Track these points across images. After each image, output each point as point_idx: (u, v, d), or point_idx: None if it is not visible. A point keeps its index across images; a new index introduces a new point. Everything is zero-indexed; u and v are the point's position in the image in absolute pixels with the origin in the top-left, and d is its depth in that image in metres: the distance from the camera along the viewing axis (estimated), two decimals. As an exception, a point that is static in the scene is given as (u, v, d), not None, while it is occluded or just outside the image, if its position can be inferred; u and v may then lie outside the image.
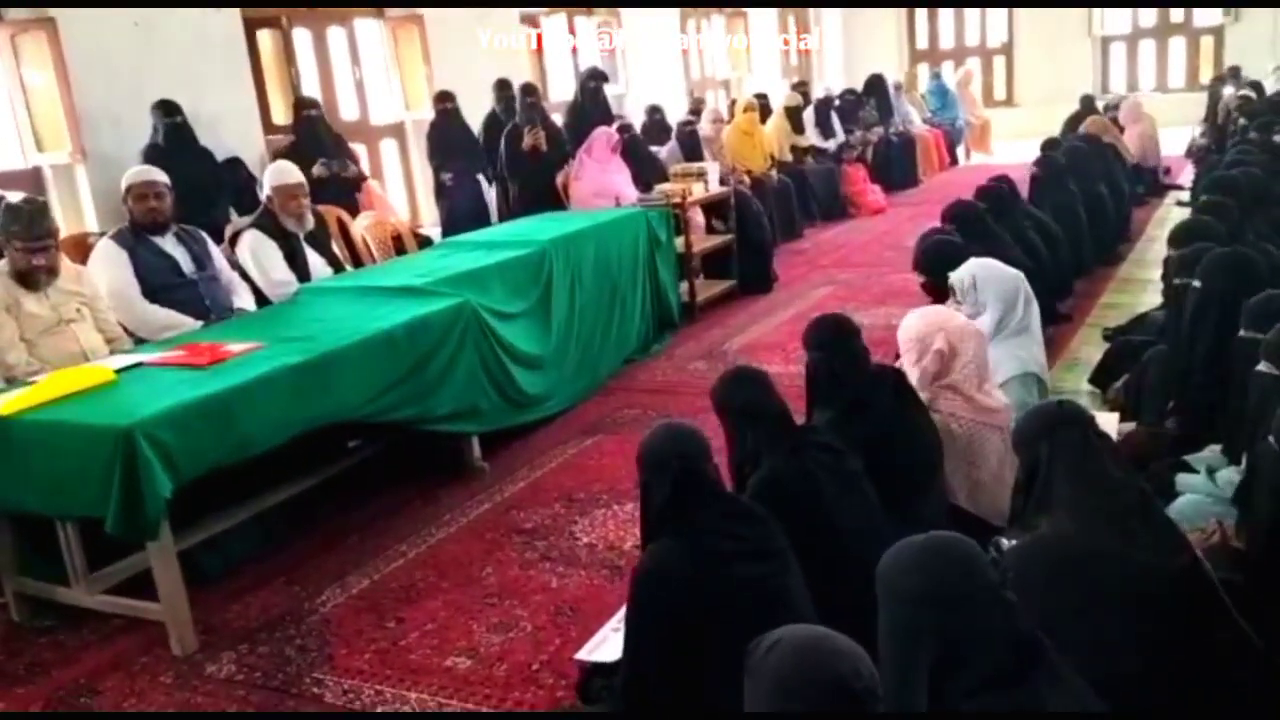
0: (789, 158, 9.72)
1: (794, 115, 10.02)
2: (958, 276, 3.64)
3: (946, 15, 16.07)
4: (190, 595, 3.10)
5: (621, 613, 2.92)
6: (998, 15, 15.65)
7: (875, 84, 11.89)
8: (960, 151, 12.96)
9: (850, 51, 16.05)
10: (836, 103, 10.94)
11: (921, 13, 16.15)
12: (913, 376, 3.06)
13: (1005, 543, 2.21)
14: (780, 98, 10.71)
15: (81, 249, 4.80)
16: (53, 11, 5.74)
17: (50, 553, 3.27)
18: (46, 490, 3.05)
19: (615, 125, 7.53)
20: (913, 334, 3.13)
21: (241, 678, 2.90)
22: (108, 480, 2.86)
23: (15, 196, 4.42)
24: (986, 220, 4.82)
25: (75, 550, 3.23)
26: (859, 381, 2.84)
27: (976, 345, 3.10)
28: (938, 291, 3.87)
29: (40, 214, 3.77)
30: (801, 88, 11.64)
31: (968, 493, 3.03)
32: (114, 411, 3.02)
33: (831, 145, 10.26)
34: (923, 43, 16.28)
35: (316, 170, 6.19)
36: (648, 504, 2.29)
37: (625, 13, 10.78)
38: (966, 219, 4.69)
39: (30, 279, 3.71)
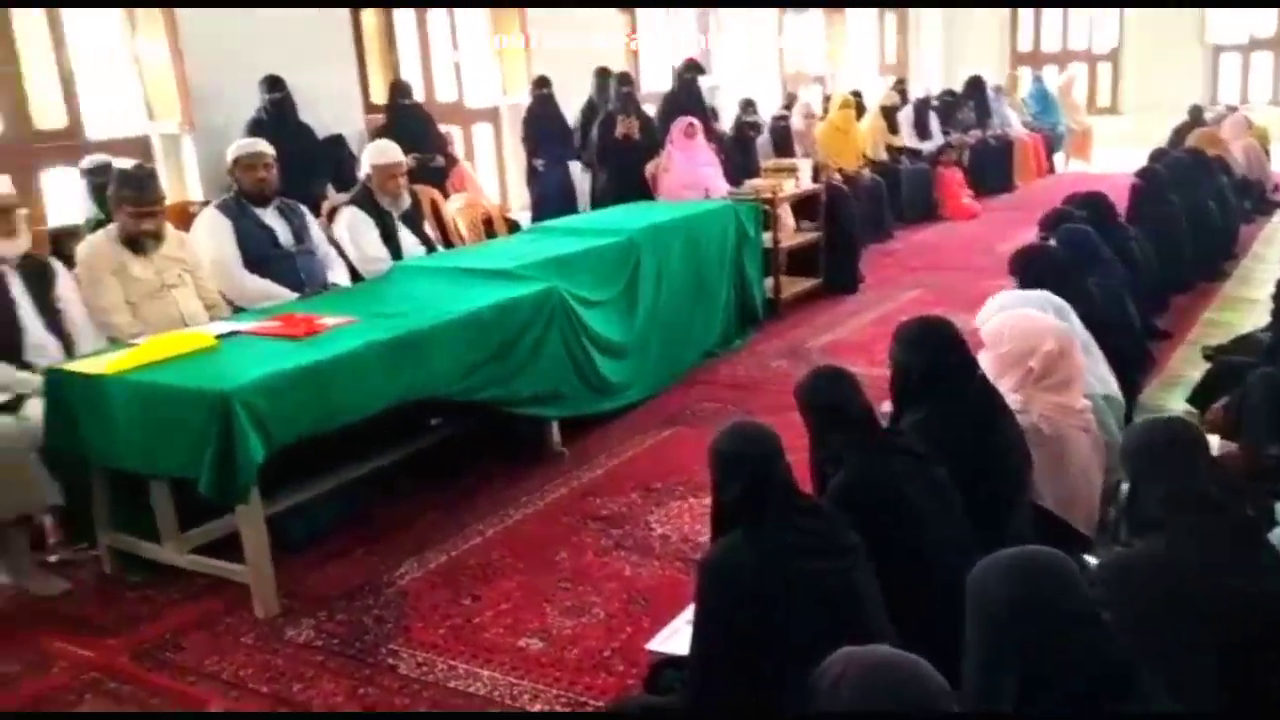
0: (883, 157, 9.59)
1: (890, 114, 9.87)
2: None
3: (1052, 17, 15.66)
4: (274, 560, 3.17)
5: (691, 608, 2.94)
6: (1106, 19, 15.19)
7: (975, 86, 11.64)
8: (1059, 158, 12.64)
9: (950, 51, 15.73)
10: (934, 103, 10.76)
11: (1026, 14, 15.76)
12: (992, 371, 3.00)
13: (1092, 561, 2.16)
14: (876, 95, 10.55)
15: (184, 217, 4.95)
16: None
17: (143, 511, 3.38)
18: (144, 449, 3.16)
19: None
20: (1016, 334, 3.06)
21: (320, 643, 2.97)
22: (203, 443, 2.95)
23: (126, 163, 4.59)
24: (1090, 233, 4.69)
25: (167, 509, 3.33)
26: (954, 387, 2.78)
27: (1076, 346, 3.09)
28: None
29: (150, 180, 3.92)
30: (899, 86, 11.45)
31: (1053, 495, 2.97)
32: (213, 376, 3.11)
33: (928, 147, 10.09)
34: (1025, 45, 15.88)
35: (407, 161, 6.25)
36: (717, 501, 2.28)
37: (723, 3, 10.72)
38: (1070, 231, 4.56)
39: (137, 243, 3.84)
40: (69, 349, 3.63)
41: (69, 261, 3.90)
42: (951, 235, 8.96)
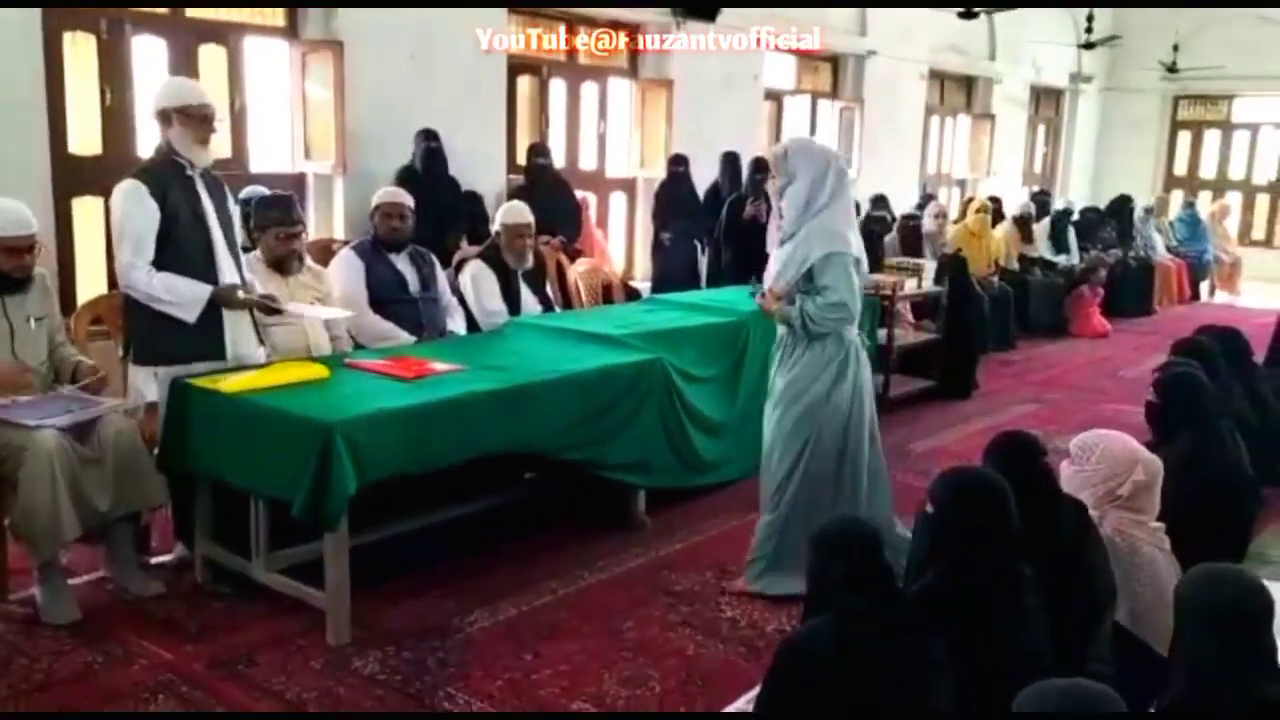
0: (1015, 266, 9.44)
1: (1024, 224, 9.73)
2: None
3: (1212, 144, 15.27)
4: (352, 591, 3.27)
5: (752, 693, 2.91)
6: (1270, 150, 14.71)
7: (1120, 206, 11.38)
8: (1204, 287, 12.22)
9: (1100, 168, 15.49)
10: (1075, 218, 10.56)
11: (1184, 137, 15.43)
12: (1071, 484, 2.93)
13: None
14: (1015, 204, 10.43)
15: (326, 254, 5.23)
16: (342, 35, 6.33)
17: (238, 527, 3.53)
18: (248, 467, 3.33)
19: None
20: (1109, 457, 3.00)
21: (383, 678, 3.05)
22: (303, 468, 3.09)
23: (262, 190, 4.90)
24: (1218, 362, 4.54)
25: (262, 528, 3.48)
26: (1040, 509, 2.71)
27: (1159, 478, 3.02)
28: (1160, 418, 3.73)
29: (292, 203, 4.21)
30: (1041, 197, 11.30)
31: (1128, 611, 2.87)
32: (321, 407, 3.26)
33: (1062, 261, 9.88)
34: (1180, 169, 15.50)
35: (555, 242, 6.50)
36: (814, 591, 2.27)
37: (870, 100, 10.83)
38: (1200, 356, 4.42)
39: (284, 264, 4.08)
40: None
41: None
42: (1076, 353, 8.73)
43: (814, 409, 3.64)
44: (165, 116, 3.61)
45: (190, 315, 3.58)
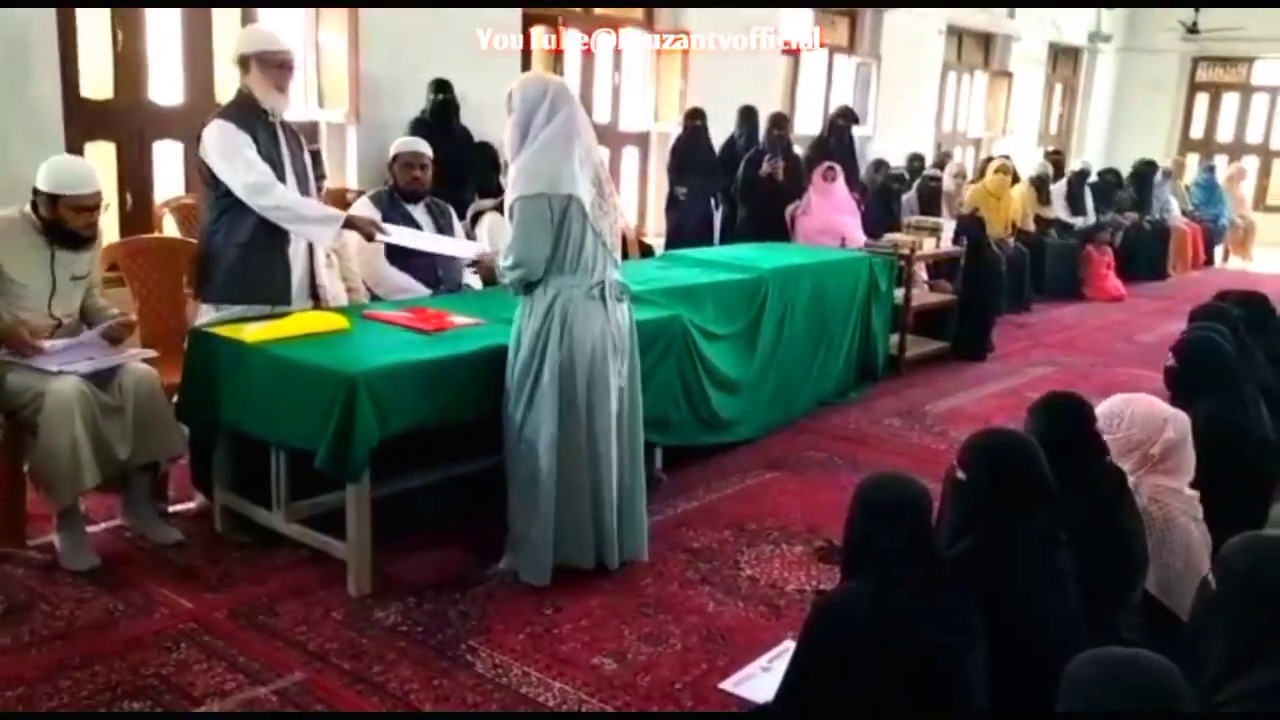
0: (1031, 227, 9.37)
1: (1041, 185, 9.64)
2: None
3: (1230, 107, 15.09)
4: (372, 543, 3.26)
5: (773, 652, 2.93)
6: (1289, 114, 14.56)
7: (1143, 172, 11.19)
8: (1218, 252, 12.14)
9: (1116, 129, 15.32)
10: (1093, 179, 10.46)
11: (1201, 99, 15.25)
12: (1112, 449, 2.92)
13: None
14: (1029, 164, 10.33)
15: (340, 204, 5.16)
16: (355, -17, 6.22)
17: (259, 476, 3.52)
18: (271, 417, 3.31)
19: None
20: (1138, 419, 2.98)
21: (405, 629, 3.05)
22: (326, 420, 3.07)
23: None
24: (1240, 326, 4.50)
25: (283, 478, 3.46)
26: (1079, 473, 2.68)
27: (1190, 435, 2.99)
28: (1180, 383, 3.68)
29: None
30: (1054, 157, 11.18)
31: (1157, 578, 2.86)
32: (344, 358, 3.23)
33: (1079, 222, 9.80)
34: (1197, 132, 15.34)
35: None
36: (860, 551, 2.25)
37: (887, 56, 10.69)
38: (1222, 320, 4.38)
39: None
40: None
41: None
42: (1091, 316, 8.69)
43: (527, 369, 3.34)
44: (244, 62, 3.62)
45: (323, 236, 3.68)
